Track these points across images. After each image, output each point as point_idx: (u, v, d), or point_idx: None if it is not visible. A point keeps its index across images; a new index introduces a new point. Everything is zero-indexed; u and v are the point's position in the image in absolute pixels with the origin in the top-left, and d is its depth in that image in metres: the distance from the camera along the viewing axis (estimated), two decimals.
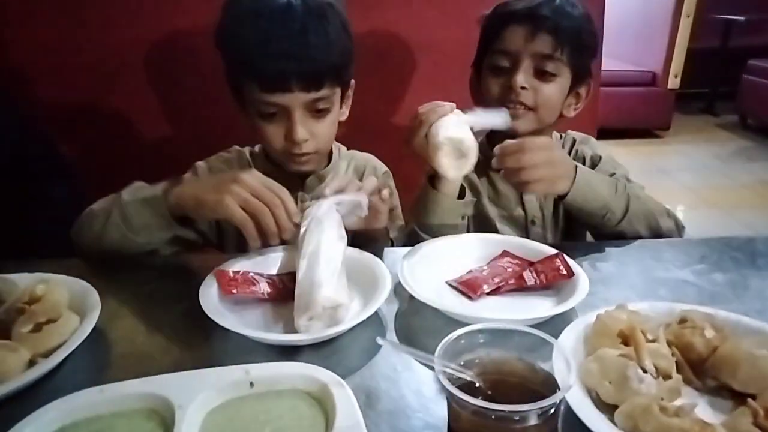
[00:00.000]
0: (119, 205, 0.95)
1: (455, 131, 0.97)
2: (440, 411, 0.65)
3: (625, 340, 0.70)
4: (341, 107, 1.13)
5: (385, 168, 1.27)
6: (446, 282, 0.92)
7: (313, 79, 1.00)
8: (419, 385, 0.71)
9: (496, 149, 0.98)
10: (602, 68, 1.66)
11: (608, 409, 0.63)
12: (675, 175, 3.88)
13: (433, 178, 1.10)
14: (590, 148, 1.28)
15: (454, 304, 0.87)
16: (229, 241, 1.13)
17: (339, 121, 1.13)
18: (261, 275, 0.90)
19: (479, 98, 1.22)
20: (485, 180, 1.26)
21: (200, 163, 1.17)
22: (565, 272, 0.88)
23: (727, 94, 5.04)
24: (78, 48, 1.45)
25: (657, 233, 1.11)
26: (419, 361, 0.68)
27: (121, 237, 0.95)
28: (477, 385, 0.62)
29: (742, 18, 4.74)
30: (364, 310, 0.79)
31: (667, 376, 0.65)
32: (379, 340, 0.62)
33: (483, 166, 1.17)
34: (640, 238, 1.09)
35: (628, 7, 4.30)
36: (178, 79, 1.52)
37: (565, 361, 0.62)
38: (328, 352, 0.77)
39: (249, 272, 0.90)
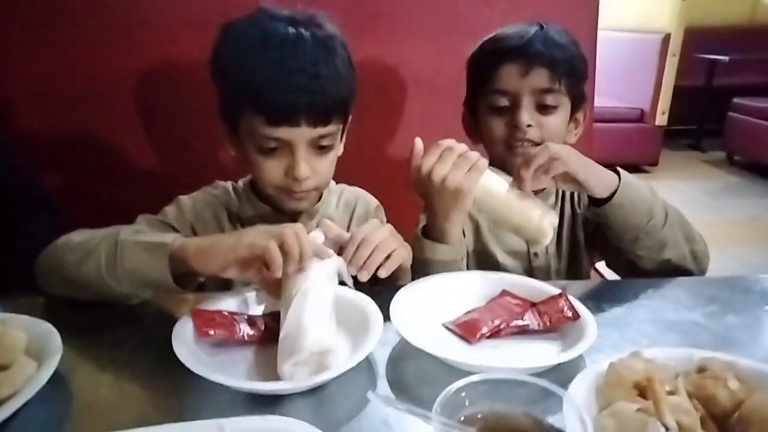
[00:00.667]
0: (111, 242, 0.84)
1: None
2: None
3: (642, 391, 0.63)
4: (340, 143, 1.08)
5: (376, 202, 1.22)
6: (443, 324, 0.86)
7: (323, 113, 0.95)
8: None
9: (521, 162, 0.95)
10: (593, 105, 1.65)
11: None
12: None
13: (427, 229, 1.03)
14: None
15: (450, 349, 0.80)
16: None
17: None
18: (242, 315, 0.83)
19: (477, 137, 1.19)
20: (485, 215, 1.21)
21: (184, 198, 1.10)
22: (570, 314, 0.82)
23: (714, 131, 5.12)
24: (61, 78, 1.40)
25: (692, 249, 1.06)
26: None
27: (97, 279, 0.84)
28: None
29: (725, 58, 4.83)
30: (353, 356, 0.72)
31: None
32: (370, 396, 0.55)
33: None
34: (669, 258, 1.04)
35: (618, 46, 4.38)
36: (166, 110, 1.46)
37: (579, 417, 0.55)
38: (314, 403, 0.70)
39: (229, 312, 0.83)
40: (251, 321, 0.82)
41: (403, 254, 0.90)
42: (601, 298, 0.95)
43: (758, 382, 0.66)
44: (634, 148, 4.53)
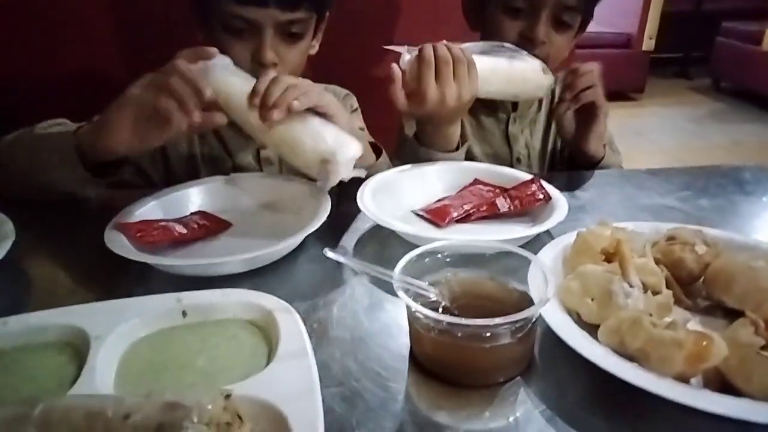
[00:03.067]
0: (28, 137, 0.84)
1: None
2: (402, 338, 0.57)
3: (609, 257, 0.62)
4: (313, 39, 1.02)
5: (345, 91, 1.17)
6: (412, 211, 0.84)
7: None
8: (378, 309, 0.63)
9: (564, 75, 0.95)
10: None
11: (591, 329, 0.56)
12: (650, 136, 3.84)
13: (420, 136, 0.98)
14: None
15: (419, 231, 0.78)
16: (178, 176, 1.03)
17: (309, 55, 1.03)
18: (167, 220, 0.78)
19: (476, 23, 1.12)
20: (468, 115, 1.17)
21: None
22: (541, 196, 0.81)
23: (701, 58, 5.03)
24: None
25: None
26: (376, 278, 0.58)
27: (26, 171, 0.83)
28: (442, 304, 0.55)
29: None
30: (310, 224, 0.72)
31: (655, 293, 0.58)
32: (328, 252, 0.53)
33: None
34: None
35: None
36: None
37: (543, 276, 0.55)
38: (273, 281, 0.68)
39: (154, 220, 0.77)
40: (181, 222, 0.78)
41: (333, 103, 0.83)
42: (574, 187, 0.93)
43: (725, 247, 0.66)
44: (620, 74, 4.43)
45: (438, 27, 1.18)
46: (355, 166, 0.77)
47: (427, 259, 0.58)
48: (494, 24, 1.05)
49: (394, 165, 0.95)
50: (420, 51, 0.87)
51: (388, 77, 0.86)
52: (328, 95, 0.83)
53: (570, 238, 0.68)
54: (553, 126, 1.17)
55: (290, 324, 0.55)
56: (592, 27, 1.12)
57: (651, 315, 0.54)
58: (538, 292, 0.54)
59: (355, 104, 1.17)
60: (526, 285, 0.57)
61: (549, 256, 0.66)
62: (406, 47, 0.88)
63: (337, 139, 0.75)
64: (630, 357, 0.51)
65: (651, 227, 0.71)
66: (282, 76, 0.77)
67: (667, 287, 0.60)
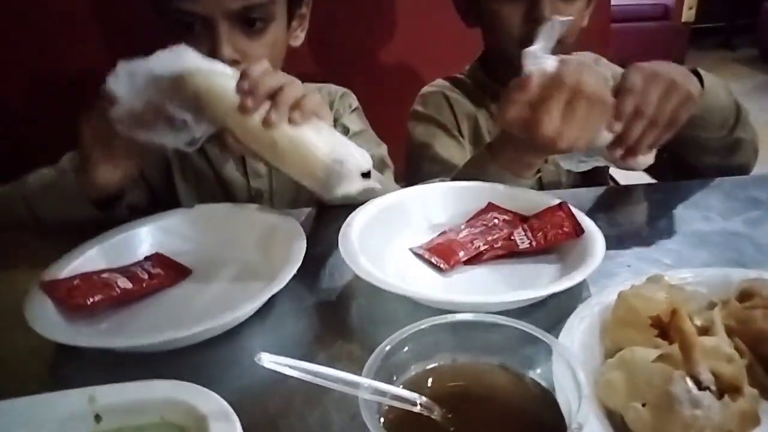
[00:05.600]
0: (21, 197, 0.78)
1: None
2: None
3: (663, 331, 0.46)
4: (291, 27, 0.88)
5: (342, 89, 1.03)
6: (410, 249, 0.68)
7: None
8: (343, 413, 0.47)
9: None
10: (611, 2, 1.44)
11: None
12: None
13: (495, 149, 0.78)
14: (607, 68, 1.04)
15: (416, 280, 0.63)
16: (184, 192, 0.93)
17: (292, 47, 0.90)
18: (111, 271, 0.64)
19: (473, 19, 0.97)
20: (484, 111, 1.01)
21: None
22: (570, 229, 0.64)
23: (745, 27, 4.68)
24: None
25: (756, 148, 0.90)
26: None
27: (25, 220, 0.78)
28: (433, 416, 0.39)
29: None
30: (263, 292, 0.56)
31: (733, 389, 0.41)
32: (260, 359, 0.38)
33: (480, 95, 1.01)
34: (739, 163, 0.88)
35: None
36: None
37: (571, 373, 0.38)
38: (228, 353, 0.54)
39: (93, 272, 0.63)
40: (127, 271, 0.64)
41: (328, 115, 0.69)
42: (613, 209, 0.76)
43: None
44: (657, 48, 4.11)
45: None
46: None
47: (406, 348, 0.42)
48: (492, 14, 0.90)
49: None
50: (559, 68, 0.66)
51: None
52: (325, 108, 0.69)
53: (608, 297, 0.51)
54: None
55: None
56: None
57: (731, 431, 0.38)
58: (568, 402, 0.38)
59: (354, 103, 1.03)
60: (548, 366, 0.41)
61: (581, 325, 0.50)
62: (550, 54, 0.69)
63: (348, 146, 0.64)
64: None
65: (717, 276, 0.54)
66: (265, 67, 0.65)
67: (749, 376, 0.43)
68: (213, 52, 0.76)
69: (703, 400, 0.39)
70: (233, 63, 0.77)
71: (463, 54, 1.08)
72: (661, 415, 0.40)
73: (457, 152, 0.97)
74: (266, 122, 0.62)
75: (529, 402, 0.42)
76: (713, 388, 0.40)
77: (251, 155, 0.67)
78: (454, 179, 0.79)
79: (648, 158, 0.74)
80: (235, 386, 0.51)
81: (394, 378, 0.41)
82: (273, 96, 0.63)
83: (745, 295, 0.50)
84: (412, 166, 0.99)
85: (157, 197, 0.94)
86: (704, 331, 0.46)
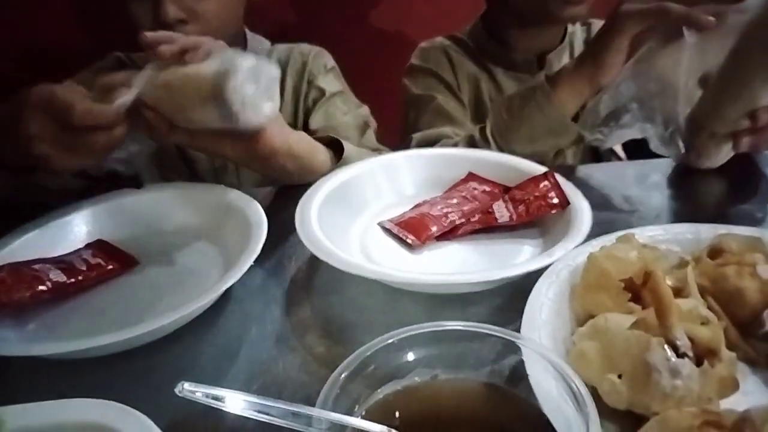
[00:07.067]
0: None
1: None
2: None
3: (636, 293, 0.41)
4: None
5: (316, 48, 0.95)
6: (379, 224, 0.62)
7: None
8: None
9: None
10: None
11: (616, 417, 0.37)
12: None
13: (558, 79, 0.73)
14: None
15: (382, 258, 0.57)
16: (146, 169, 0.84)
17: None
18: (44, 261, 0.57)
19: None
20: (486, 75, 0.94)
21: (66, 83, 0.86)
22: (554, 201, 0.58)
23: None
24: None
25: None
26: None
27: None
28: None
29: None
30: (216, 285, 0.49)
31: (711, 353, 0.37)
32: (182, 390, 0.32)
33: (482, 57, 0.94)
34: None
35: None
36: None
37: (574, 398, 0.31)
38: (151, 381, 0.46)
39: (24, 262, 0.56)
40: (61, 262, 0.57)
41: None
42: (610, 183, 0.69)
43: None
44: None
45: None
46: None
47: (373, 367, 0.35)
48: None
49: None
50: None
51: None
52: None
53: (576, 259, 0.46)
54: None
55: None
56: None
57: (710, 399, 0.35)
58: (568, 427, 0.31)
59: (330, 62, 0.96)
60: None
61: (548, 293, 0.44)
62: None
63: (234, 53, 0.56)
64: None
65: (689, 234, 0.50)
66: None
67: (726, 340, 0.38)
68: (157, 13, 0.70)
69: (683, 369, 0.35)
70: (179, 23, 0.71)
71: (458, 15, 1.01)
72: (639, 386, 0.36)
73: (460, 110, 0.90)
74: (160, 55, 0.55)
75: (521, 427, 0.35)
76: (691, 354, 0.36)
77: (166, 130, 0.59)
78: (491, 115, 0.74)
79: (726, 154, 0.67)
80: (172, 404, 0.40)
81: (356, 407, 0.34)
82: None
83: (716, 252, 0.46)
84: (410, 121, 0.92)
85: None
86: (677, 291, 0.42)
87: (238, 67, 0.54)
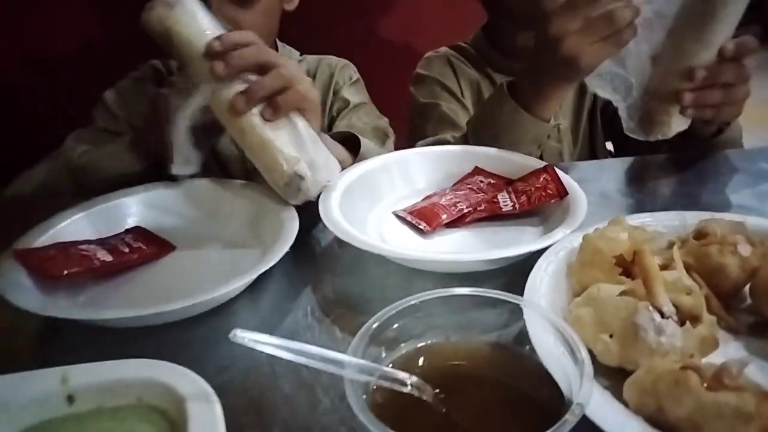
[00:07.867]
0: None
1: None
2: None
3: (627, 269, 0.47)
4: None
5: (343, 61, 1.01)
6: (393, 213, 0.68)
7: None
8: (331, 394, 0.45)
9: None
10: None
11: (610, 374, 0.41)
12: None
13: (515, 89, 0.75)
14: None
15: (395, 241, 0.63)
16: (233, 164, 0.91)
17: (286, 11, 0.90)
18: (90, 242, 0.62)
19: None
20: (487, 80, 0.99)
21: (107, 92, 0.93)
22: (553, 191, 0.63)
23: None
24: None
25: None
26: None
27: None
28: (425, 397, 0.36)
29: None
30: (253, 268, 0.53)
31: (693, 318, 0.42)
32: (235, 335, 0.37)
33: (483, 63, 0.98)
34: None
35: None
36: None
37: (572, 352, 0.36)
38: (214, 330, 0.52)
39: (72, 242, 0.61)
40: (106, 244, 0.62)
41: (315, 100, 0.65)
42: (607, 177, 0.75)
43: None
44: None
45: None
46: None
47: (396, 325, 0.40)
48: None
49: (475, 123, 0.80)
50: None
51: None
52: (312, 90, 0.65)
53: (572, 242, 0.52)
54: (587, 98, 0.98)
55: (205, 419, 0.39)
56: None
57: (692, 355, 0.40)
58: (567, 381, 0.36)
59: (355, 75, 1.02)
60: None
61: (547, 271, 0.50)
62: None
63: (318, 153, 0.63)
64: (671, 428, 0.36)
65: (677, 219, 0.56)
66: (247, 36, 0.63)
67: (708, 308, 0.44)
68: None
69: (667, 328, 0.40)
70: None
71: (464, 26, 1.07)
72: (628, 344, 0.41)
73: (463, 115, 0.95)
74: (232, 107, 0.59)
75: (526, 381, 0.40)
76: (675, 318, 0.41)
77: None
78: (467, 124, 0.79)
79: (683, 123, 0.73)
80: (217, 367, 0.48)
81: (383, 357, 0.39)
82: (258, 71, 0.61)
83: (701, 235, 0.51)
84: (417, 128, 0.97)
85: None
86: (664, 267, 0.47)
87: (310, 183, 0.61)
